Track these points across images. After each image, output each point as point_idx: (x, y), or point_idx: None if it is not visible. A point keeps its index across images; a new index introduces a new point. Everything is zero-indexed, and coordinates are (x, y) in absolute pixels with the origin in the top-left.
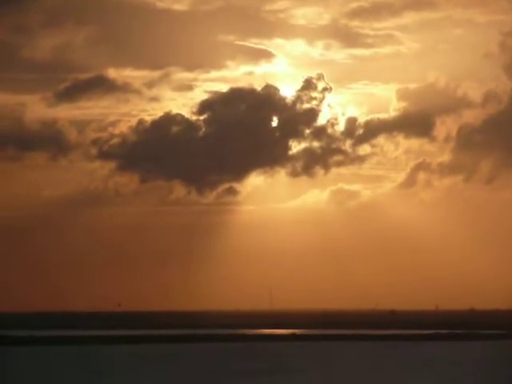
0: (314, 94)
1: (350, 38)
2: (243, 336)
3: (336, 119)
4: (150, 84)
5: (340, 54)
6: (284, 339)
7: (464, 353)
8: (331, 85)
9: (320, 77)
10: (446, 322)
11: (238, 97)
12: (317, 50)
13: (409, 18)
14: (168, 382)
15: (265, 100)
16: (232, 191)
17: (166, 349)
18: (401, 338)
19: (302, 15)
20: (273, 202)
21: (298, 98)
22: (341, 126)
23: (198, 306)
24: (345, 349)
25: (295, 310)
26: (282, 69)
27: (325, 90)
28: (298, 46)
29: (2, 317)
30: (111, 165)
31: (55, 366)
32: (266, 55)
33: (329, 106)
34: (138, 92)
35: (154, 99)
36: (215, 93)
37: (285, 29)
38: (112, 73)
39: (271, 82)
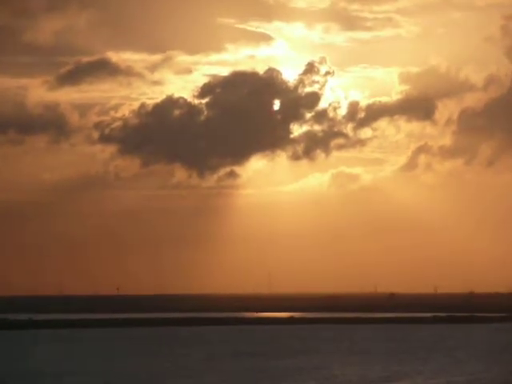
0: (316, 78)
1: (349, 22)
2: (241, 319)
3: (337, 102)
4: (152, 67)
5: (339, 37)
6: (282, 322)
7: (465, 336)
8: (333, 68)
9: (322, 60)
10: (445, 305)
11: (240, 80)
12: (316, 34)
13: (408, 1)
14: (168, 364)
15: (267, 84)
16: (233, 175)
17: (164, 332)
18: (400, 321)
19: None
20: (274, 185)
21: (301, 82)
22: (342, 110)
23: (197, 289)
24: (344, 332)
25: (294, 294)
26: (281, 52)
27: (327, 73)
28: (298, 29)
29: (1, 300)
30: (112, 148)
31: (55, 349)
32: (265, 38)
33: (330, 89)
34: (139, 75)
35: (156, 83)
36: (217, 76)
37: (285, 12)
38: (114, 56)
39: (271, 65)
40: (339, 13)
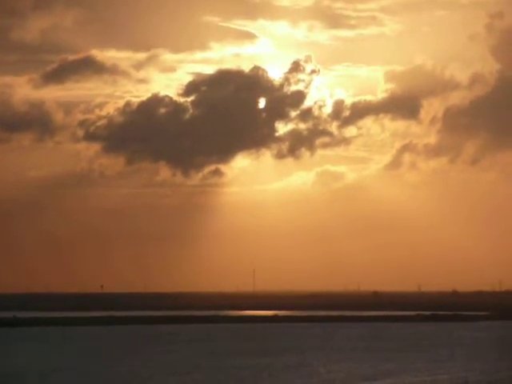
0: (301, 76)
1: (333, 20)
2: (226, 317)
3: (322, 101)
4: (138, 66)
5: (323, 36)
6: (266, 321)
7: (449, 334)
8: (318, 67)
9: (308, 59)
10: (428, 303)
11: (225, 78)
12: (301, 32)
13: None
14: (153, 364)
15: (252, 82)
16: (218, 173)
17: (150, 330)
18: (384, 320)
19: None
20: (258, 183)
21: (286, 80)
22: (327, 108)
23: (181, 287)
24: (328, 330)
25: (278, 292)
26: (266, 50)
27: (313, 72)
28: (282, 27)
29: None
30: (97, 146)
31: (40, 347)
32: (250, 37)
33: (315, 88)
34: (125, 74)
35: (142, 81)
36: (202, 74)
37: (269, 10)
38: (99, 54)
39: (255, 63)
40: (323, 11)
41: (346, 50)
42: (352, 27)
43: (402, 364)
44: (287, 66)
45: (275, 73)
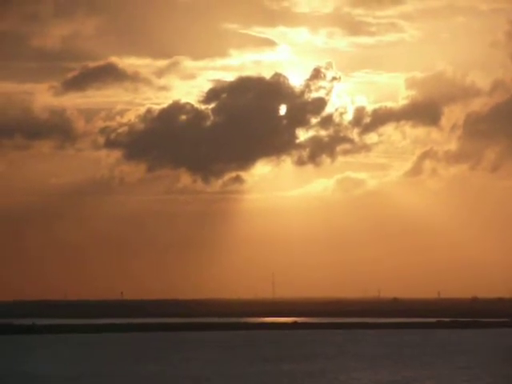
0: (322, 83)
1: (353, 27)
2: (245, 324)
3: (343, 107)
4: (159, 73)
5: (343, 42)
6: (286, 327)
7: (469, 341)
8: (339, 74)
9: (329, 66)
10: (448, 310)
11: (246, 85)
12: (320, 39)
13: (411, 5)
14: (173, 370)
15: (273, 89)
16: (238, 180)
17: (169, 337)
18: (404, 326)
19: (306, 3)
20: (279, 190)
21: (307, 87)
22: (348, 115)
23: (201, 294)
24: (348, 337)
25: (298, 299)
26: (285, 57)
27: (334, 79)
28: (302, 34)
29: (5, 305)
30: (118, 153)
31: (59, 354)
32: (269, 43)
33: (336, 94)
34: (146, 81)
35: (162, 88)
36: (223, 81)
37: (288, 17)
38: (120, 62)
39: (275, 70)
40: (343, 18)
41: (365, 56)
42: (372, 34)
43: (422, 371)
44: (307, 73)
45: (296, 80)
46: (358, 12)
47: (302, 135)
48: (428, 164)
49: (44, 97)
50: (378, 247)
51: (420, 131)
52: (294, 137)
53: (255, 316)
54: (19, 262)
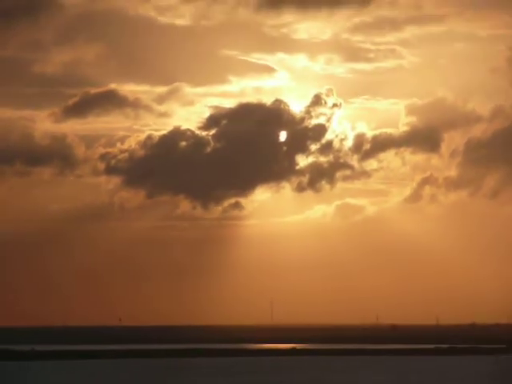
0: (323, 110)
1: (351, 53)
2: (243, 351)
3: (342, 134)
4: (159, 99)
5: (342, 69)
6: (284, 354)
7: (467, 367)
8: (340, 100)
9: (329, 92)
10: (446, 336)
11: (247, 112)
12: (319, 65)
13: (410, 32)
14: None
15: (274, 115)
16: (238, 206)
17: (167, 363)
18: (402, 353)
19: (305, 30)
20: (278, 216)
21: (307, 113)
22: (347, 141)
23: (199, 320)
24: (346, 363)
25: (296, 325)
26: (284, 83)
27: (334, 105)
28: (300, 60)
29: (4, 331)
30: (117, 180)
31: (57, 380)
32: (268, 70)
33: (336, 120)
34: (146, 107)
35: (163, 114)
36: (222, 108)
37: (287, 43)
38: (121, 88)
39: (275, 96)
40: (341, 44)
41: (364, 83)
42: (370, 60)
43: None
44: (306, 99)
45: (296, 106)
46: (357, 38)
47: (302, 161)
48: (428, 190)
49: (44, 123)
50: (377, 274)
51: (420, 157)
52: (294, 163)
53: (253, 342)
54: (17, 287)
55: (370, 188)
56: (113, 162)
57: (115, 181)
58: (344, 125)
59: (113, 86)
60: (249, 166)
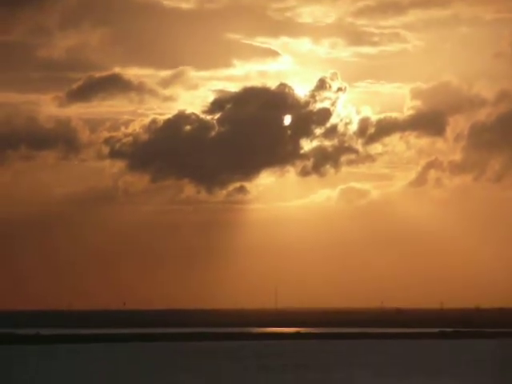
0: (327, 94)
1: (356, 37)
2: (249, 334)
3: (347, 118)
4: (163, 83)
5: (346, 53)
6: (289, 337)
7: (472, 351)
8: (345, 84)
9: (334, 76)
10: (451, 320)
11: (251, 95)
12: (323, 49)
13: (414, 16)
14: (178, 380)
15: (279, 99)
16: (242, 190)
17: (173, 347)
18: (407, 337)
19: (309, 14)
20: (283, 200)
21: (312, 97)
22: (352, 125)
23: (204, 304)
24: (351, 347)
25: (301, 309)
26: (288, 67)
27: (339, 89)
28: (305, 44)
29: (9, 315)
30: (122, 164)
31: (62, 364)
32: (272, 54)
33: (340, 104)
34: (151, 91)
35: (168, 98)
36: (227, 92)
37: (291, 27)
38: (125, 72)
39: (278, 80)
40: (345, 28)
41: (368, 66)
42: (375, 44)
43: (428, 381)
44: (311, 83)
45: (300, 90)
46: (361, 22)
47: (307, 145)
48: (432, 174)
49: (49, 107)
50: (381, 258)
51: (424, 141)
52: (299, 147)
53: (258, 326)
54: (22, 271)
55: (375, 172)
56: (117, 145)
57: (119, 165)
58: (348, 109)
59: (117, 69)
60: (253, 150)
